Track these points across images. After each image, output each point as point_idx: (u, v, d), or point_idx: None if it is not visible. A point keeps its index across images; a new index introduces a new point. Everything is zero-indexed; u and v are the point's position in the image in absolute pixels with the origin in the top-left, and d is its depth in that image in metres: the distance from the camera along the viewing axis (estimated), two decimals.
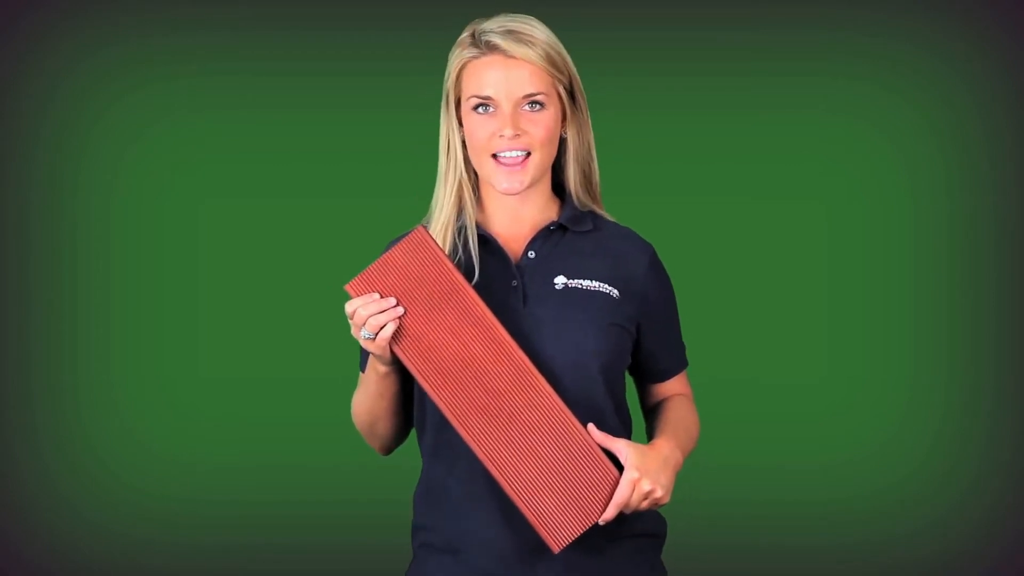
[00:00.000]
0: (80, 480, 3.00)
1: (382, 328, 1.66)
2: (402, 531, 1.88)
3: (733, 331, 3.03)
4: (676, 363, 1.90)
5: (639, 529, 1.77)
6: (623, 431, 1.78)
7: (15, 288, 2.99)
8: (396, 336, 1.67)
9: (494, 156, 1.74)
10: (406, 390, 1.81)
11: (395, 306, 1.67)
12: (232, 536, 3.01)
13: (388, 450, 1.90)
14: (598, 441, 1.68)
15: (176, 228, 3.05)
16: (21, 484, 2.98)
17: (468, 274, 1.75)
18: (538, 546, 1.69)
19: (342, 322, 1.70)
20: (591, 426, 1.68)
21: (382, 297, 1.67)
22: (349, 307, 1.68)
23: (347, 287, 1.69)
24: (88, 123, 3.01)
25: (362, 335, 1.67)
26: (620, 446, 1.67)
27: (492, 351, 1.67)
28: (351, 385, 1.85)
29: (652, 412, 1.90)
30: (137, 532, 2.99)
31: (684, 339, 1.93)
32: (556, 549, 1.66)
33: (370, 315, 1.66)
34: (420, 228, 1.69)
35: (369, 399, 1.80)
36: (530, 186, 1.75)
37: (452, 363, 1.67)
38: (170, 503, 3.01)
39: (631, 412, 1.84)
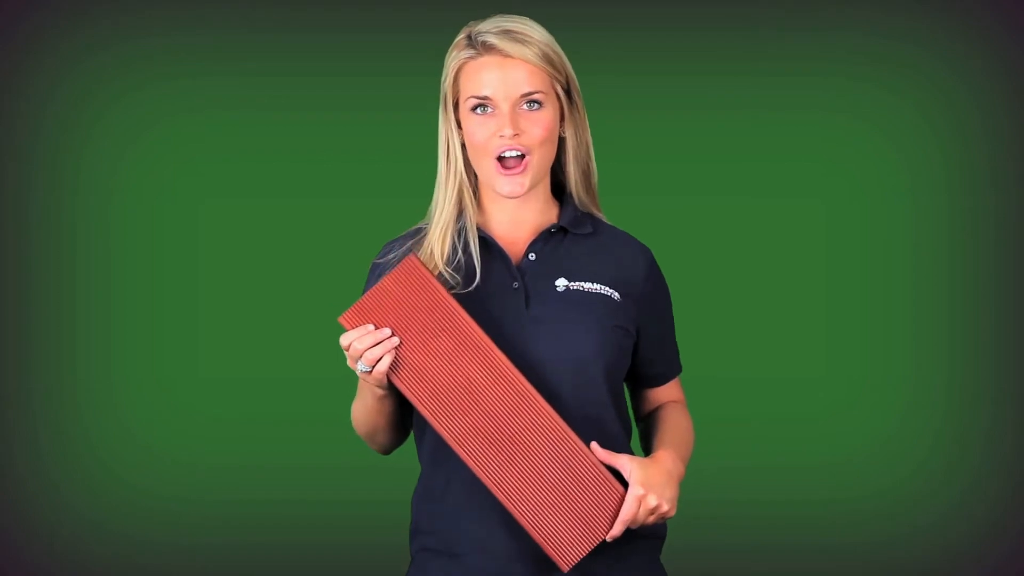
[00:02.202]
0: (80, 480, 3.00)
1: (379, 360, 1.66)
2: (401, 532, 1.88)
3: (733, 331, 3.03)
4: (671, 368, 1.90)
5: (638, 531, 1.77)
6: (624, 435, 1.79)
7: (15, 288, 2.99)
8: (393, 366, 1.67)
9: (496, 159, 1.73)
10: (404, 403, 1.80)
11: (390, 337, 1.67)
12: (232, 536, 3.01)
13: (387, 452, 1.91)
14: (601, 458, 1.67)
15: (176, 228, 3.05)
16: (21, 484, 2.98)
17: (470, 276, 1.75)
18: (537, 548, 1.69)
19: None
20: (594, 444, 1.68)
21: (377, 328, 1.67)
22: (344, 340, 1.67)
23: (341, 319, 1.68)
24: (88, 123, 3.01)
25: (359, 368, 1.67)
26: (624, 462, 1.67)
27: (490, 375, 1.67)
28: (351, 385, 1.85)
29: (648, 420, 1.90)
30: (137, 532, 2.99)
31: (686, 339, 1.93)
32: (566, 568, 1.66)
33: (366, 348, 1.65)
34: (411, 255, 1.69)
35: (367, 414, 1.80)
36: (530, 188, 1.75)
37: (450, 390, 1.67)
38: (170, 503, 3.01)
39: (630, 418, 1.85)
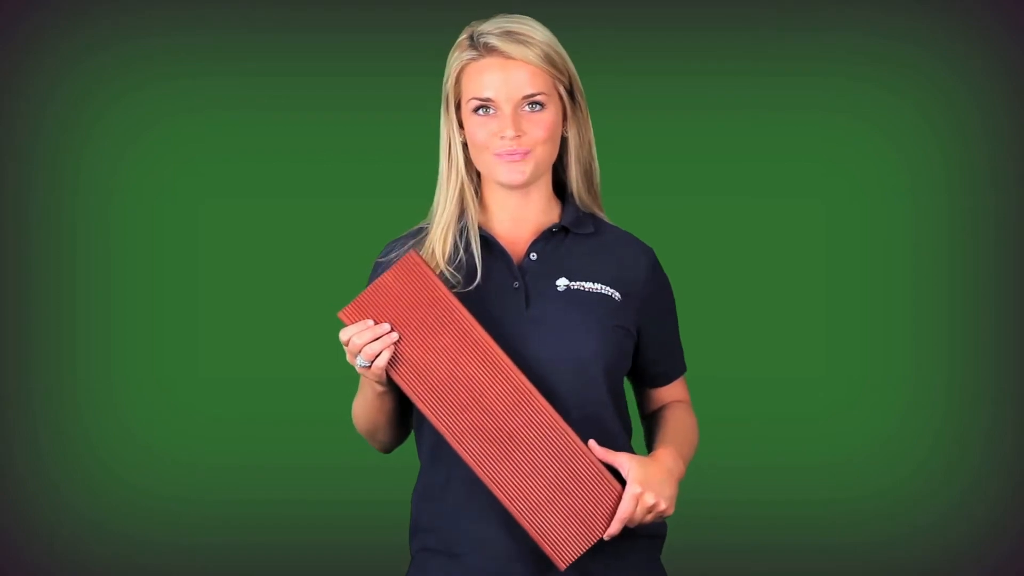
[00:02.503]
0: (80, 480, 3.00)
1: (378, 356, 1.66)
2: (401, 531, 1.88)
3: (733, 331, 3.03)
4: (675, 368, 1.90)
5: (637, 531, 1.77)
6: (624, 434, 1.79)
7: (15, 288, 2.99)
8: (392, 362, 1.67)
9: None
10: (404, 400, 1.81)
11: (389, 332, 1.67)
12: (232, 536, 3.01)
13: (388, 451, 1.91)
14: (600, 456, 1.67)
15: (176, 228, 3.05)
16: (21, 484, 2.98)
17: (471, 275, 1.75)
18: (537, 547, 1.69)
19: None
20: (592, 442, 1.68)
21: (376, 324, 1.67)
22: (343, 335, 1.67)
23: (340, 314, 1.68)
24: (88, 123, 3.01)
25: (358, 363, 1.67)
26: (622, 460, 1.67)
27: (489, 372, 1.67)
28: (351, 385, 1.85)
29: (651, 419, 1.90)
30: (137, 532, 2.99)
31: (685, 339, 1.93)
32: (562, 566, 1.66)
33: (365, 343, 1.66)
34: (412, 252, 1.69)
35: (368, 412, 1.80)
36: (532, 179, 1.75)
37: (449, 386, 1.67)
38: (170, 503, 3.01)
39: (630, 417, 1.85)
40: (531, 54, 1.71)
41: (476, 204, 1.79)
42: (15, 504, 2.97)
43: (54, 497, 2.99)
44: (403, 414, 1.83)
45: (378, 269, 1.81)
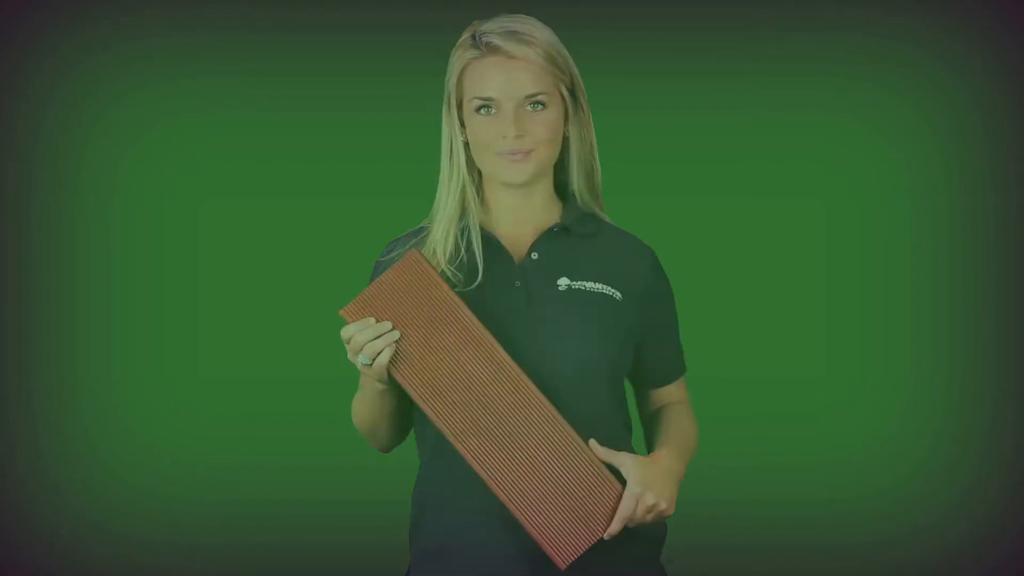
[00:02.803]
0: (80, 480, 3.00)
1: (379, 354, 1.66)
2: (401, 532, 1.88)
3: (733, 331, 3.03)
4: (675, 368, 1.90)
5: (638, 532, 1.77)
6: (625, 434, 1.79)
7: (15, 288, 2.99)
8: (394, 360, 1.67)
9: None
10: (404, 399, 1.81)
11: (391, 330, 1.67)
12: (232, 536, 3.01)
13: (388, 450, 1.91)
14: (600, 456, 1.68)
15: (176, 228, 3.05)
16: (21, 484, 2.98)
17: (472, 274, 1.76)
18: (537, 547, 1.69)
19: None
20: (593, 442, 1.68)
21: (378, 321, 1.67)
22: (345, 333, 1.68)
23: (342, 312, 1.69)
24: (88, 123, 3.01)
25: (360, 361, 1.67)
26: (623, 459, 1.68)
27: (490, 371, 1.67)
28: (351, 385, 1.86)
29: (651, 420, 1.90)
30: (137, 532, 2.99)
31: (685, 339, 1.93)
32: (562, 566, 1.67)
33: (367, 341, 1.66)
34: (413, 251, 1.70)
35: (369, 411, 1.80)
36: (533, 178, 1.76)
37: (451, 385, 1.67)
38: (170, 503, 3.01)
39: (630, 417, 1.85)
40: (533, 53, 1.72)
41: (477, 203, 1.80)
42: (15, 504, 2.97)
43: (54, 497, 2.99)
44: (403, 413, 1.83)
45: (379, 269, 1.82)
